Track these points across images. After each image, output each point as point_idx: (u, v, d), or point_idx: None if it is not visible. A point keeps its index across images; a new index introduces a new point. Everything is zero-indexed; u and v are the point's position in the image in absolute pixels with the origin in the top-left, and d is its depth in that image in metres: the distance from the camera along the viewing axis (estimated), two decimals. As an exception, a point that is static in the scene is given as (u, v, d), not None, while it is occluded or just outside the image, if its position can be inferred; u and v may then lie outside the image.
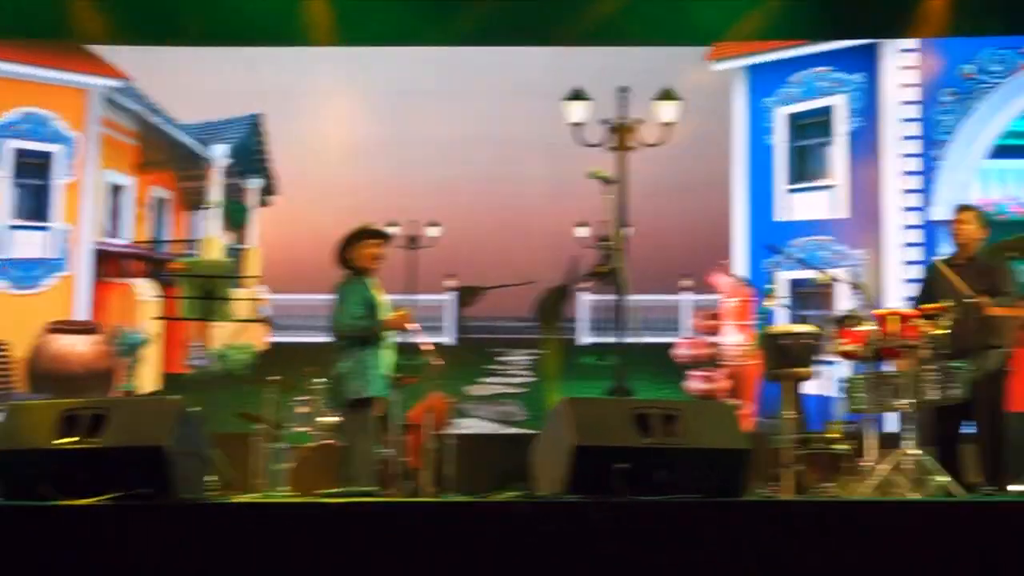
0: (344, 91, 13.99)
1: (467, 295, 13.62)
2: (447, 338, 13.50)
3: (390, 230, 8.71)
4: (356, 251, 8.66)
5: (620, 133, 13.41)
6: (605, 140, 13.44)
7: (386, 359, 8.55)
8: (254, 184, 13.87)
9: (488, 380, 13.60)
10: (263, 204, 13.78)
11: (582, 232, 13.36)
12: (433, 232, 13.60)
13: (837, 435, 9.24)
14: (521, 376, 13.59)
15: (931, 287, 8.85)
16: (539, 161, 13.61)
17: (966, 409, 8.39)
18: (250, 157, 13.85)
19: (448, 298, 13.61)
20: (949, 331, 8.09)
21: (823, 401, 10.70)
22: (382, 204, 13.16)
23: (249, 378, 12.23)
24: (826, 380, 10.46)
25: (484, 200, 13.69)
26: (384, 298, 8.75)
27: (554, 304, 13.60)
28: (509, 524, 4.89)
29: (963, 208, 9.12)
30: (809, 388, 9.55)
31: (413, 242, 13.41)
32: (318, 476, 9.54)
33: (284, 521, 5.07)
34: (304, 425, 10.63)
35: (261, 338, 13.25)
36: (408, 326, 8.54)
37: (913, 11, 13.57)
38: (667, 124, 13.51)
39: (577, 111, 13.52)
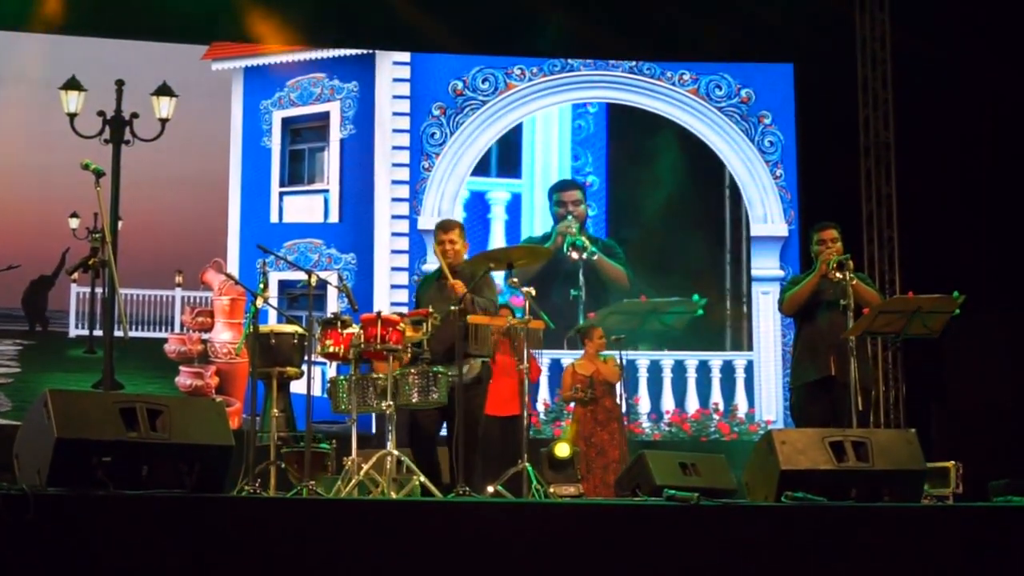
0: None
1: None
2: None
3: None
4: None
5: (115, 126, 13.21)
6: (100, 132, 13.21)
7: None
8: None
9: (-31, 368, 13.12)
10: None
11: (74, 223, 13.08)
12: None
13: (321, 434, 9.42)
14: (6, 366, 13.15)
15: (421, 296, 9.03)
16: (32, 149, 13.21)
17: (445, 412, 8.57)
18: None
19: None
20: (430, 337, 8.36)
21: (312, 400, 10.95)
22: None
23: None
24: (315, 380, 10.67)
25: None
26: None
27: (39, 295, 13.29)
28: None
29: (449, 226, 9.03)
30: (298, 387, 9.68)
31: None
32: None
33: None
34: None
35: None
36: None
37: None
38: (163, 120, 13.41)
39: (72, 101, 13.21)
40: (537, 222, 14.25)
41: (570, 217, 13.87)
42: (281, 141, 14.03)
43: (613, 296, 13.65)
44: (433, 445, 8.78)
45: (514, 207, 14.33)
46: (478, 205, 14.22)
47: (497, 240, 13.98)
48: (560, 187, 14.12)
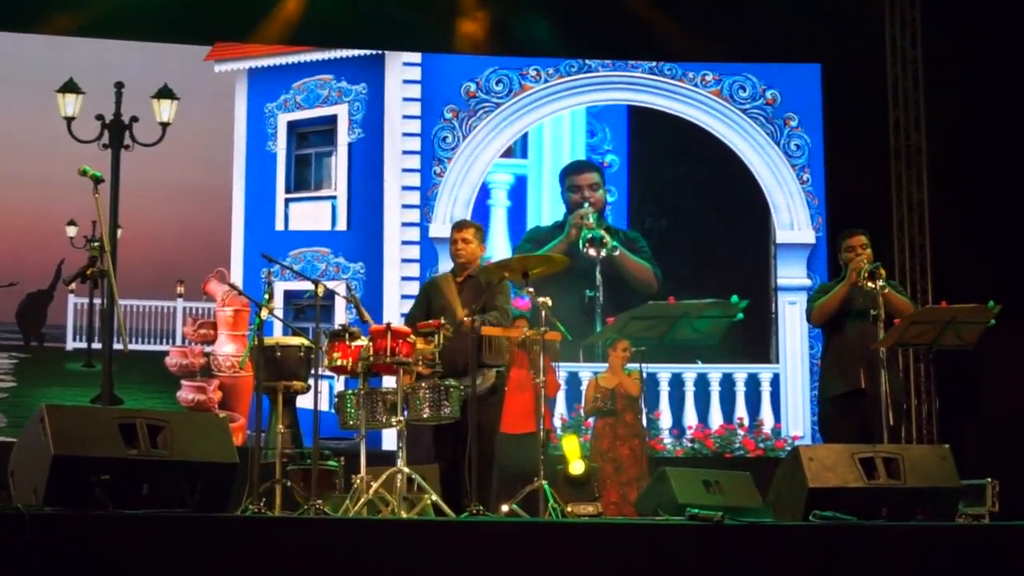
0: None
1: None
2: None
3: None
4: None
5: (114, 130, 13.23)
6: (99, 136, 13.23)
7: None
8: None
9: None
10: None
11: (71, 231, 13.11)
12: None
13: (329, 451, 9.42)
14: (1, 380, 13.18)
15: (428, 304, 8.96)
16: (27, 155, 13.24)
17: (461, 426, 8.44)
18: None
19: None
20: (442, 349, 8.34)
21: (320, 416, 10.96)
22: None
23: None
24: (323, 395, 10.66)
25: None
26: None
27: (36, 308, 13.31)
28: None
29: (463, 225, 9.03)
30: (305, 402, 9.69)
31: None
32: None
33: None
34: None
35: None
36: None
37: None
38: (164, 123, 13.42)
39: (70, 104, 13.24)
40: (545, 209, 14.14)
41: (586, 204, 13.72)
42: (287, 145, 14.04)
43: (636, 298, 13.39)
44: (453, 463, 8.73)
45: (518, 192, 14.23)
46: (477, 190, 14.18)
47: (498, 231, 13.89)
48: (574, 169, 14.01)
